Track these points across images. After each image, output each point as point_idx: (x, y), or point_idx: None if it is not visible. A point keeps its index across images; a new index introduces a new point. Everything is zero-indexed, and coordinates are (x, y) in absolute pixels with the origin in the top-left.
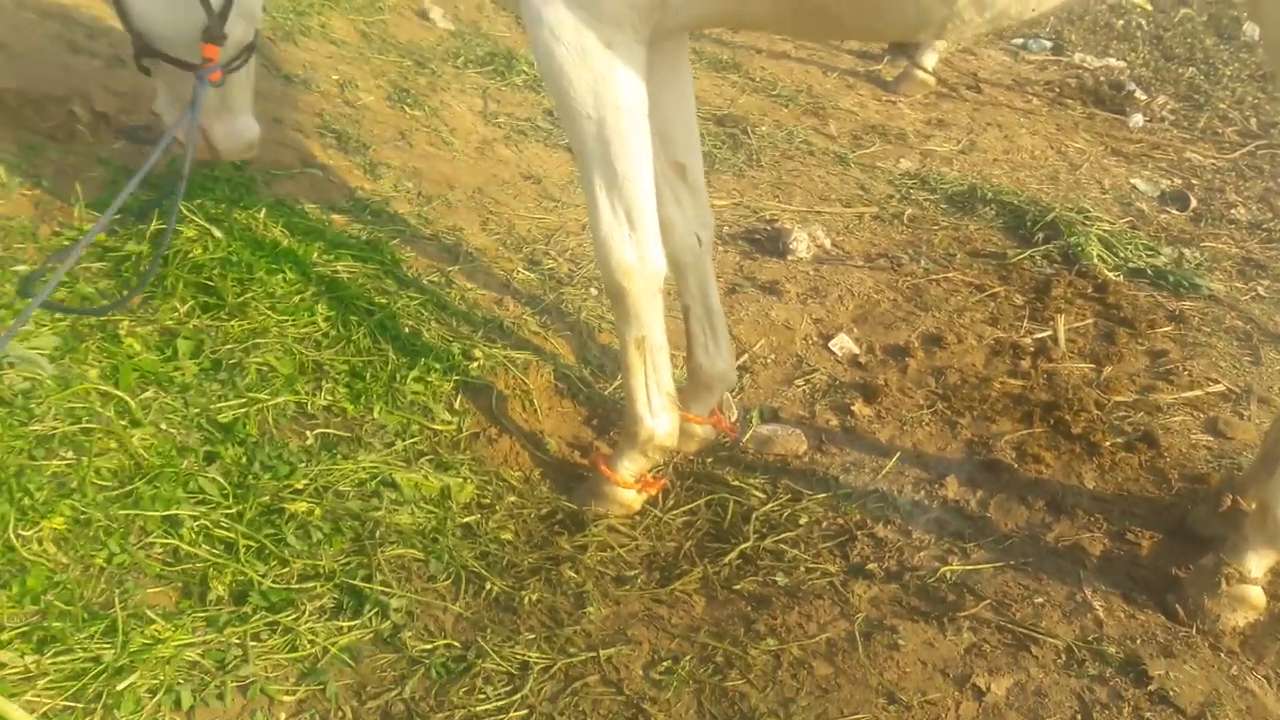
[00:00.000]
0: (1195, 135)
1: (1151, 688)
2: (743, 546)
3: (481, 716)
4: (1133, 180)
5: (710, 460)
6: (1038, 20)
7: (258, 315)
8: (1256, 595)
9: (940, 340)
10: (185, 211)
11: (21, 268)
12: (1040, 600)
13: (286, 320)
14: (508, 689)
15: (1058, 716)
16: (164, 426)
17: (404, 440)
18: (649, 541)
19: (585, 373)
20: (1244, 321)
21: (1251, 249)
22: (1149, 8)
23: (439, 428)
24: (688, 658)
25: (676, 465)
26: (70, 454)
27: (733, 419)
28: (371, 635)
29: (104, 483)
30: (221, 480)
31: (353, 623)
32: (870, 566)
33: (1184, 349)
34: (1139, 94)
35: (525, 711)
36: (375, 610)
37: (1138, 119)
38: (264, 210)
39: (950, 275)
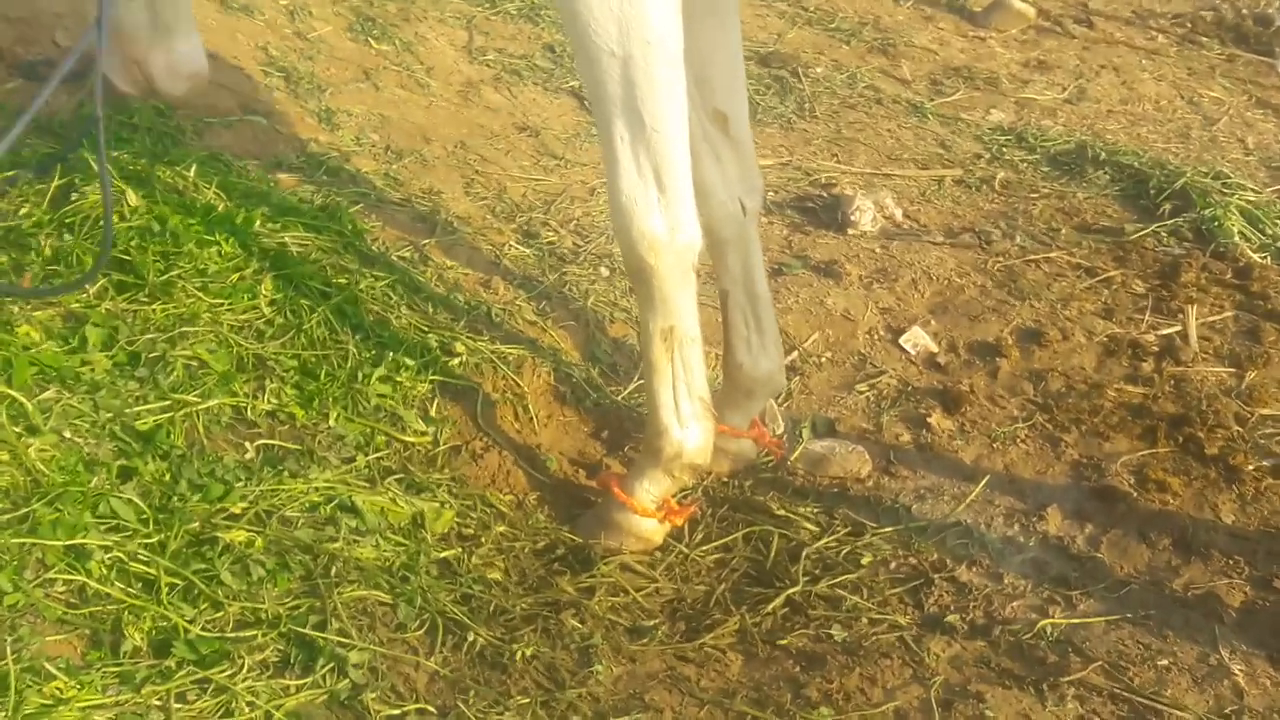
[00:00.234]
0: None
1: None
2: (790, 592)
3: None
4: None
5: (750, 484)
6: None
7: (185, 297)
8: None
9: (1040, 336)
10: (95, 168)
11: None
12: (1165, 663)
13: (221, 304)
14: None
15: None
16: (68, 434)
17: (367, 455)
18: (673, 584)
19: (593, 373)
20: None
21: None
22: None
23: (411, 440)
24: None
25: (708, 489)
26: None
27: (779, 432)
28: (325, 696)
29: None
30: (140, 502)
31: (302, 681)
32: (950, 619)
33: None
34: None
35: None
36: (330, 666)
37: None
38: (194, 167)
39: (1053, 255)
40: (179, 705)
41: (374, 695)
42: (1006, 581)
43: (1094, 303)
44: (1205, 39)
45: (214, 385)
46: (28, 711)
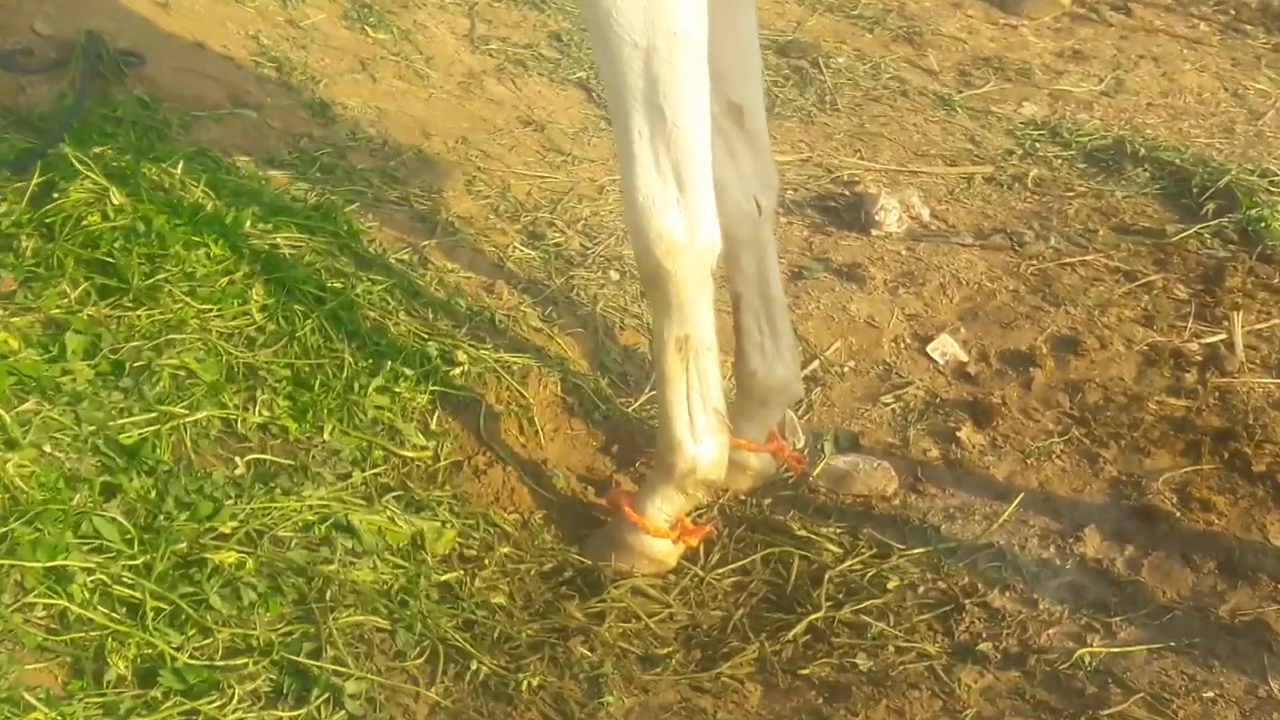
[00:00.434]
0: None
1: None
2: (812, 618)
3: None
4: None
5: (769, 502)
6: None
7: (172, 303)
8: None
9: (1076, 345)
10: (77, 164)
11: None
12: (1211, 694)
13: (210, 310)
14: None
15: None
16: (48, 449)
17: (363, 470)
18: (687, 609)
19: (603, 383)
20: None
21: None
22: None
23: (410, 454)
24: None
25: (725, 508)
26: None
27: (799, 447)
28: None
29: None
30: (124, 521)
31: (295, 712)
32: (982, 647)
33: None
34: None
35: None
36: (325, 696)
37: None
38: (181, 163)
39: (1089, 258)
40: None
41: None
42: (1042, 607)
43: (1133, 309)
44: (1250, 27)
45: (202, 396)
46: None
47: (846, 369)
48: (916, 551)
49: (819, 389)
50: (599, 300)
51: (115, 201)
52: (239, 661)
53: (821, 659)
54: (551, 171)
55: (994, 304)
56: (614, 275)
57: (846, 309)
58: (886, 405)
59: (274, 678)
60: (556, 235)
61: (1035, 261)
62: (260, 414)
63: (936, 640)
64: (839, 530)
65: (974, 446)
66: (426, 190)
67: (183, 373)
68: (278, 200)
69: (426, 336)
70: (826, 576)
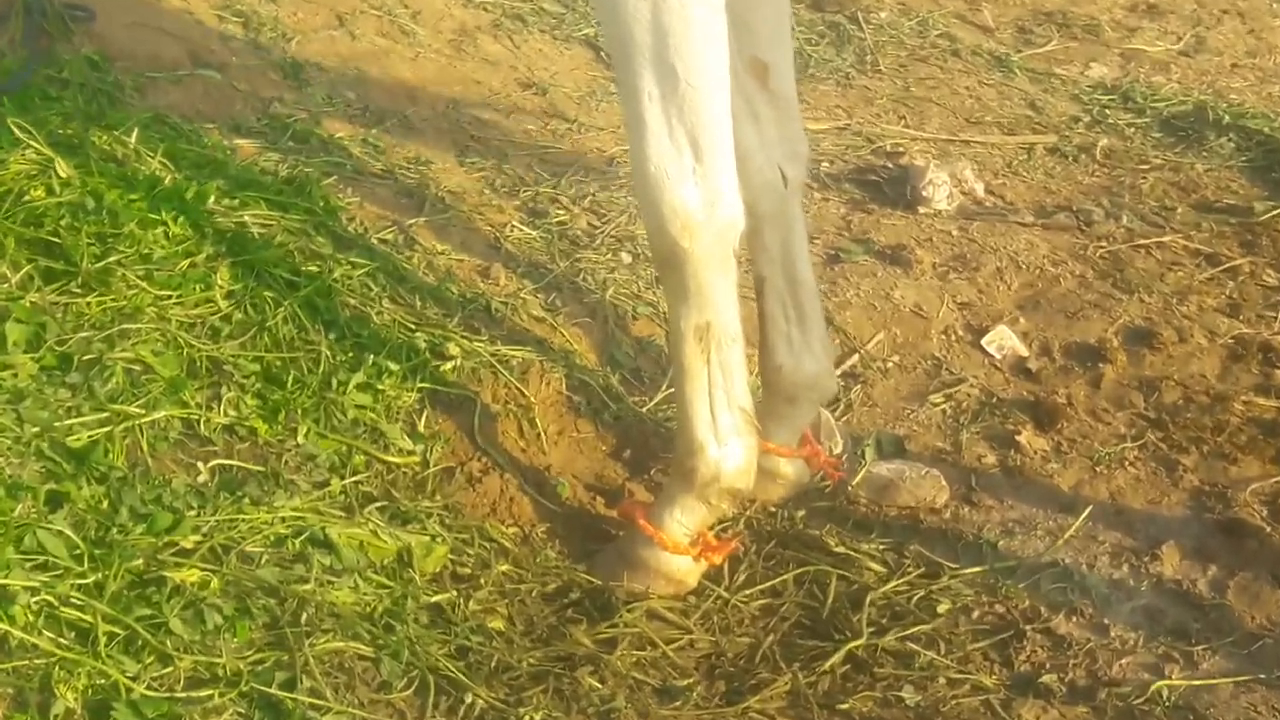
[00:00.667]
0: None
1: None
2: (852, 646)
3: None
4: None
5: (803, 514)
6: None
7: (126, 288)
8: None
9: (1152, 338)
10: (18, 132)
11: None
12: None
13: (169, 296)
14: None
15: None
16: None
17: (343, 478)
18: (710, 636)
19: (613, 379)
20: None
21: None
22: None
23: (395, 460)
24: None
25: (752, 521)
26: None
27: (836, 452)
28: None
29: None
30: (72, 535)
31: None
32: (1046, 679)
33: None
34: None
35: None
36: None
37: None
38: (136, 131)
39: (1166, 240)
40: None
41: None
42: (1113, 634)
43: (1216, 297)
44: None
45: (160, 394)
46: None
47: (890, 364)
48: (970, 571)
49: (859, 386)
50: (608, 286)
51: (61, 174)
52: (203, 693)
53: (863, 692)
54: (554, 140)
55: (1058, 291)
56: (625, 258)
57: (890, 296)
58: (936, 405)
59: (242, 711)
60: (560, 213)
61: (1105, 243)
62: (226, 414)
63: (994, 672)
64: (882, 547)
65: (1035, 452)
66: (413, 162)
67: (138, 367)
68: (245, 173)
69: (414, 327)
70: (868, 599)
